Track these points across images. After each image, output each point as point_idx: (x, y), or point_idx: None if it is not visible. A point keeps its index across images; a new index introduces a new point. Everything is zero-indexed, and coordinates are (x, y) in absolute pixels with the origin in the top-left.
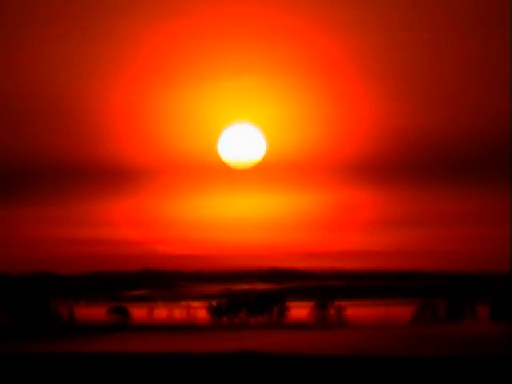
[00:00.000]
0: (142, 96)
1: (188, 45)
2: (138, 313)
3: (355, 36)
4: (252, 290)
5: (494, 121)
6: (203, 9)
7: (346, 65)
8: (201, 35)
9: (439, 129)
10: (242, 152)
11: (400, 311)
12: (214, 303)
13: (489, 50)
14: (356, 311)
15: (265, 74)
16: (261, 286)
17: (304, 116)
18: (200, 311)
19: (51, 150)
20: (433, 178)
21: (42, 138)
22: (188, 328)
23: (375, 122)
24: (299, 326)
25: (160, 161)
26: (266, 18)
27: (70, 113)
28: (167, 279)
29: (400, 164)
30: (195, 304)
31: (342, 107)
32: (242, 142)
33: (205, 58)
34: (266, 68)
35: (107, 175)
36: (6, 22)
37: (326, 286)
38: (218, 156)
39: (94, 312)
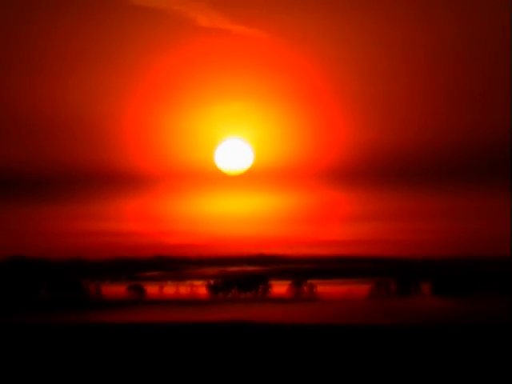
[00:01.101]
0: (151, 117)
1: (189, 73)
2: (151, 290)
3: (332, 62)
4: (242, 271)
5: (457, 136)
6: (201, 42)
7: (323, 87)
8: (199, 65)
9: (399, 141)
10: (234, 161)
11: (359, 288)
12: (212, 282)
13: (463, 72)
14: (325, 288)
15: (253, 97)
16: (249, 269)
17: (286, 131)
18: (200, 289)
19: (77, 159)
20: (396, 181)
21: (69, 150)
22: (191, 302)
23: (349, 136)
24: (279, 300)
25: (166, 169)
26: (254, 50)
27: (90, 129)
28: (174, 263)
29: (369, 169)
30: (197, 283)
31: (320, 124)
32: (234, 153)
33: (203, 84)
34: (254, 93)
35: (123, 180)
36: (28, 53)
37: (301, 268)
38: (214, 164)
39: (117, 289)
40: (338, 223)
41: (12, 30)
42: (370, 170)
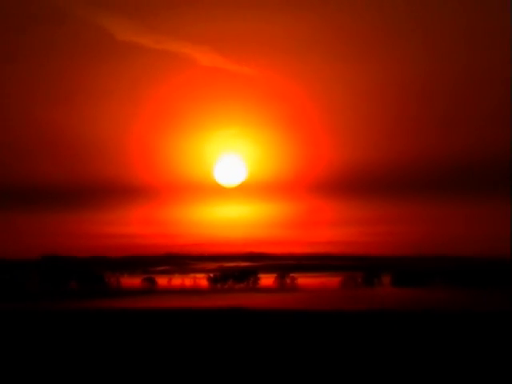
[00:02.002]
0: (158, 139)
1: (192, 103)
2: (162, 281)
3: (318, 90)
4: (236, 266)
5: (433, 152)
6: (203, 78)
7: (310, 112)
8: (201, 96)
9: (374, 159)
10: (230, 176)
11: (333, 280)
12: (212, 275)
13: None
14: (304, 280)
15: (248, 123)
16: (242, 264)
17: (276, 150)
18: (202, 280)
19: (95, 175)
20: (368, 193)
21: (87, 166)
22: (194, 291)
23: (329, 155)
24: (267, 290)
25: (171, 183)
26: (249, 84)
27: (105, 150)
28: (180, 259)
29: (348, 182)
30: (199, 276)
31: (305, 144)
32: (230, 169)
33: (204, 112)
34: (249, 119)
35: (135, 192)
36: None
37: (284, 264)
38: (213, 178)
39: (133, 281)
40: (317, 228)
41: (37, 72)
42: (347, 184)
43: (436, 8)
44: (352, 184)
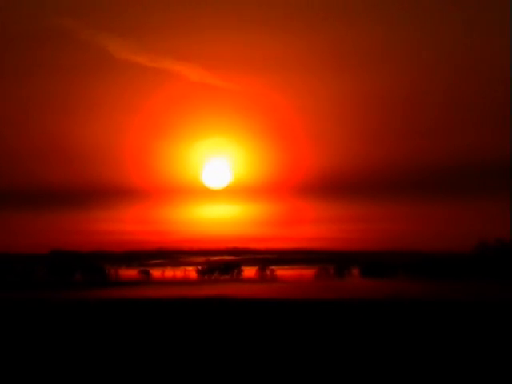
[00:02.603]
0: (151, 147)
1: (183, 115)
2: (156, 273)
3: (301, 99)
4: (222, 260)
5: (411, 156)
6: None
7: (292, 119)
8: (188, 107)
9: (350, 164)
10: (216, 178)
11: (308, 272)
12: (200, 268)
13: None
14: (282, 272)
15: (232, 130)
16: (227, 258)
17: (260, 155)
18: (191, 273)
19: (93, 178)
20: (345, 194)
21: (87, 171)
22: (184, 282)
23: (312, 160)
24: (249, 281)
25: (163, 185)
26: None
27: (104, 156)
28: (172, 254)
29: (327, 185)
30: (188, 268)
31: (289, 149)
32: (216, 173)
33: (193, 122)
34: (235, 128)
35: (131, 194)
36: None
37: (265, 257)
38: (201, 181)
39: (130, 273)
40: (296, 226)
41: (43, 86)
42: (326, 187)
43: (422, 17)
44: (330, 187)
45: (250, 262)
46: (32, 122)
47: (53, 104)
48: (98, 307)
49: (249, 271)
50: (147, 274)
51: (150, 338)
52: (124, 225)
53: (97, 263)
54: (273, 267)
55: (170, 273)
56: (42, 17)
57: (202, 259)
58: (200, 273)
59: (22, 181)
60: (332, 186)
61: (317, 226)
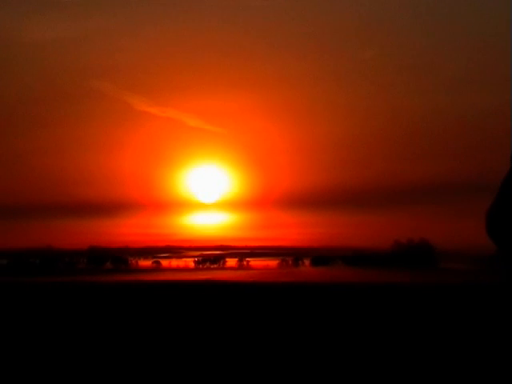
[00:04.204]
0: (153, 175)
1: (181, 148)
2: (164, 263)
3: (285, 130)
4: (211, 254)
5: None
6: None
7: (275, 146)
8: (185, 145)
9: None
10: (208, 195)
11: (273, 262)
12: (196, 259)
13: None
14: (255, 263)
15: (221, 160)
16: (215, 252)
17: (244, 177)
18: (190, 263)
19: (95, 193)
20: (315, 205)
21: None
22: (185, 270)
23: (292, 178)
24: (231, 268)
25: (167, 201)
26: (220, 136)
27: (100, 173)
28: (176, 249)
29: (301, 198)
30: (188, 259)
31: (269, 173)
32: (208, 190)
33: (188, 156)
34: (221, 157)
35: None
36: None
37: (242, 252)
38: (195, 197)
39: (146, 263)
40: (265, 229)
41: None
42: (300, 200)
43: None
44: (298, 201)
45: (231, 256)
46: (69, 155)
47: (87, 143)
48: (123, 287)
49: (231, 262)
50: (158, 263)
51: (161, 306)
52: (140, 228)
53: (122, 256)
54: (248, 259)
55: (174, 263)
56: (79, 79)
57: (197, 253)
58: (196, 263)
59: (70, 198)
60: (300, 201)
61: (282, 229)
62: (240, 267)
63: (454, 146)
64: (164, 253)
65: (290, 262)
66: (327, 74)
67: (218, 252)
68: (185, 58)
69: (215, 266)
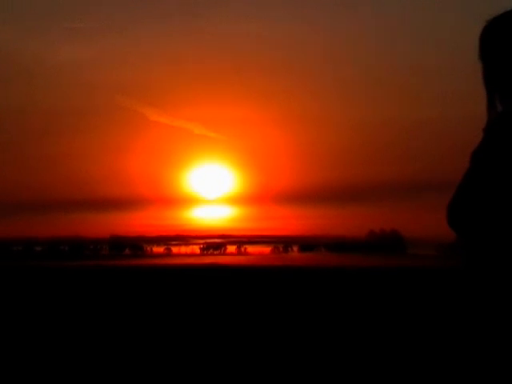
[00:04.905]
0: (163, 172)
1: (187, 152)
2: (175, 250)
3: (283, 131)
4: (214, 242)
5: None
6: (192, 139)
7: (275, 146)
8: (191, 149)
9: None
10: (212, 191)
11: (267, 249)
12: (201, 246)
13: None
14: (251, 249)
15: (223, 161)
16: (217, 240)
17: (245, 175)
18: (196, 249)
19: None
20: (311, 200)
21: (125, 188)
22: (192, 255)
23: (297, 171)
24: (231, 254)
25: (178, 197)
26: (221, 142)
27: (111, 171)
28: (184, 238)
29: (299, 194)
30: (195, 247)
31: (269, 171)
32: (212, 187)
33: (192, 159)
34: (223, 160)
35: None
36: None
37: (240, 240)
38: (200, 194)
39: (159, 249)
40: (261, 221)
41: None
42: (298, 196)
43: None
44: (294, 196)
45: (231, 243)
46: (93, 158)
47: (108, 148)
48: (139, 270)
49: (231, 248)
50: (169, 250)
51: (172, 287)
52: (154, 220)
53: (138, 243)
54: (245, 246)
55: (183, 249)
56: (101, 94)
57: (202, 241)
58: (201, 249)
59: (93, 194)
60: (291, 198)
61: (274, 221)
62: (239, 253)
63: (422, 152)
64: (174, 241)
65: (281, 249)
66: (308, 92)
67: (219, 240)
68: (193, 75)
69: (217, 252)
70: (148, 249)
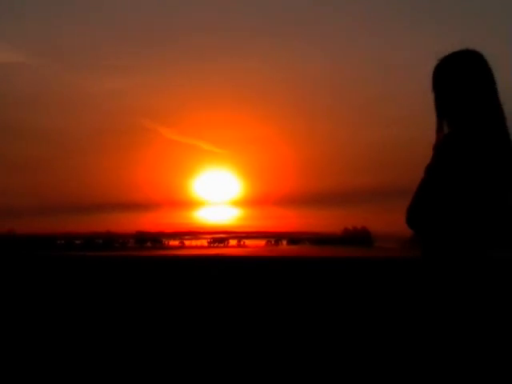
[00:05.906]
0: (172, 181)
1: (192, 162)
2: (187, 243)
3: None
4: (219, 236)
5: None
6: (199, 153)
7: (274, 155)
8: (196, 162)
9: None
10: (218, 195)
11: (261, 242)
12: (208, 240)
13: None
14: (249, 242)
15: (226, 170)
16: (222, 235)
17: (249, 180)
18: (204, 243)
19: (120, 193)
20: (308, 203)
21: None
22: (201, 247)
23: (287, 180)
24: (232, 247)
25: (185, 200)
26: (221, 155)
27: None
28: (195, 233)
29: (299, 199)
30: (203, 241)
31: (273, 177)
32: (218, 192)
33: (196, 169)
34: (225, 169)
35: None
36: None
37: (240, 235)
38: (210, 198)
39: (174, 243)
40: (259, 220)
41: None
42: (298, 200)
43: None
44: (283, 200)
45: (233, 238)
46: (120, 169)
47: (132, 162)
48: (160, 260)
49: (232, 242)
50: (183, 243)
51: (185, 273)
52: (170, 219)
53: (158, 238)
54: (244, 240)
55: (194, 243)
56: (127, 117)
57: (209, 236)
58: (208, 243)
59: (122, 198)
60: (280, 201)
61: (268, 220)
62: (239, 246)
63: (385, 165)
64: (187, 236)
65: (273, 242)
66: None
67: (223, 235)
68: (203, 102)
69: (222, 245)
70: (166, 242)
